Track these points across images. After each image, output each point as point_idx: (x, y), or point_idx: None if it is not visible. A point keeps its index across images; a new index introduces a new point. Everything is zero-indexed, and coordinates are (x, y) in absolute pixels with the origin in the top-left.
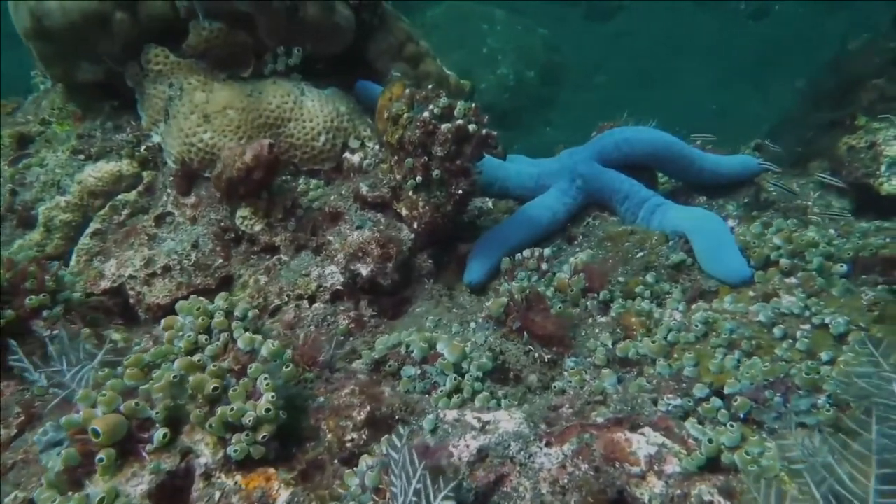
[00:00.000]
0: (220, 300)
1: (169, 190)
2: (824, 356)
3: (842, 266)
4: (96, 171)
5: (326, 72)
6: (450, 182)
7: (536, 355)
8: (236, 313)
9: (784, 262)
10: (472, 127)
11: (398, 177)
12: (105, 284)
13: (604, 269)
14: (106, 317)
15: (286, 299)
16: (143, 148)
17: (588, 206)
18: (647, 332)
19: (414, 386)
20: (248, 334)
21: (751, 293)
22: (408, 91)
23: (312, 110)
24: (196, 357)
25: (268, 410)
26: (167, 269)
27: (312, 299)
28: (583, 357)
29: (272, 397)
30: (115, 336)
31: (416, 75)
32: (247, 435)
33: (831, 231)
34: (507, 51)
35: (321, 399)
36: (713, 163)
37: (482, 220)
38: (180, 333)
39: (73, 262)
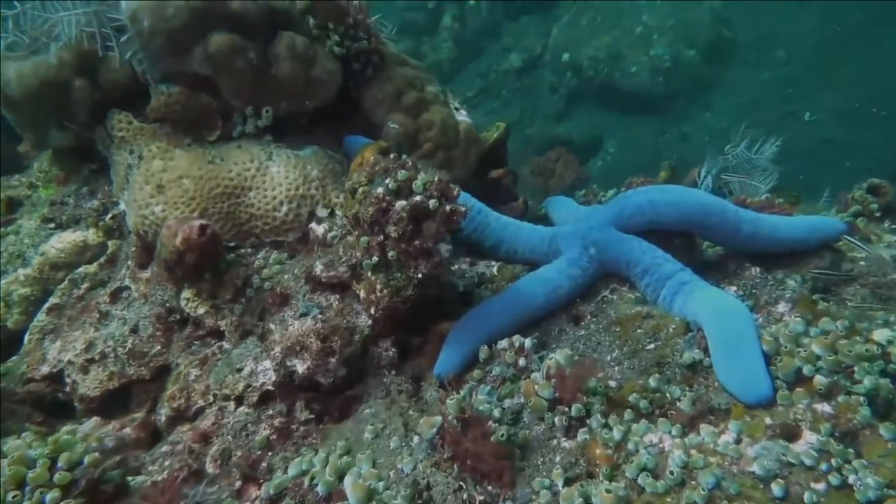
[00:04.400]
0: (49, 444)
1: (129, 262)
2: None
3: None
4: (59, 242)
5: (311, 127)
6: (408, 265)
7: (466, 496)
8: (61, 464)
9: (820, 379)
10: (432, 203)
11: (358, 254)
12: (45, 370)
13: (582, 373)
14: (33, 410)
15: (212, 399)
16: (108, 216)
17: (606, 276)
18: (614, 469)
19: None
20: None
21: (767, 420)
22: (373, 159)
23: (277, 177)
24: None
25: None
26: (104, 356)
27: (240, 400)
28: (525, 500)
29: None
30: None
31: (416, 126)
32: None
33: None
34: (665, 28)
35: None
36: (768, 226)
37: (482, 289)
38: None
39: (25, 341)
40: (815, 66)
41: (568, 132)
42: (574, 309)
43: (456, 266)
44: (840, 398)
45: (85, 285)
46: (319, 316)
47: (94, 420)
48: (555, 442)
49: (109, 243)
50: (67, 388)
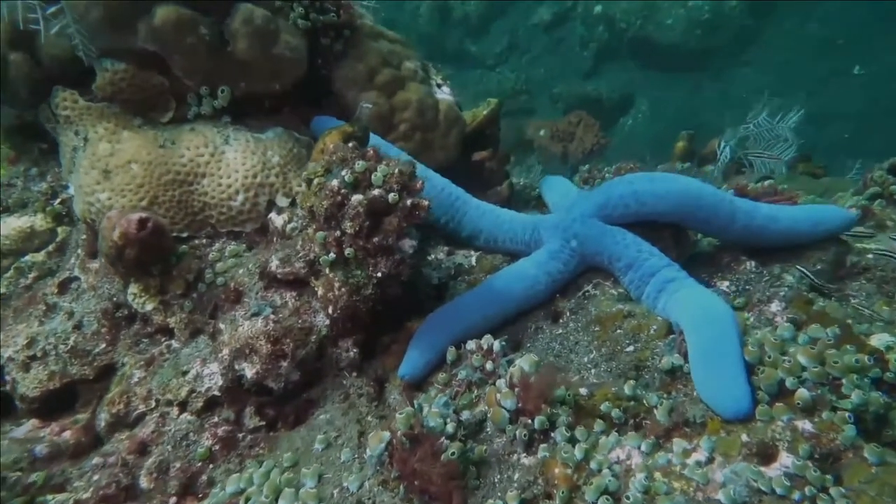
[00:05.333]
0: None
1: (79, 250)
2: None
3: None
4: (4, 228)
5: (278, 107)
6: (367, 263)
7: None
8: None
9: (802, 394)
10: (391, 197)
11: (316, 249)
12: None
13: (547, 381)
14: None
15: (154, 405)
16: (58, 201)
17: (589, 271)
18: (572, 490)
19: None
20: None
21: (743, 437)
22: (332, 146)
23: (233, 163)
24: None
25: None
26: (45, 354)
27: (183, 406)
28: None
29: None
30: None
31: (391, 106)
32: None
33: None
34: None
35: None
36: (766, 218)
37: (458, 281)
38: None
39: None
40: (871, 16)
41: (597, 90)
42: (553, 305)
43: (432, 256)
44: (824, 414)
45: (32, 275)
46: (272, 316)
47: (31, 423)
48: (514, 457)
49: (59, 230)
50: (7, 387)
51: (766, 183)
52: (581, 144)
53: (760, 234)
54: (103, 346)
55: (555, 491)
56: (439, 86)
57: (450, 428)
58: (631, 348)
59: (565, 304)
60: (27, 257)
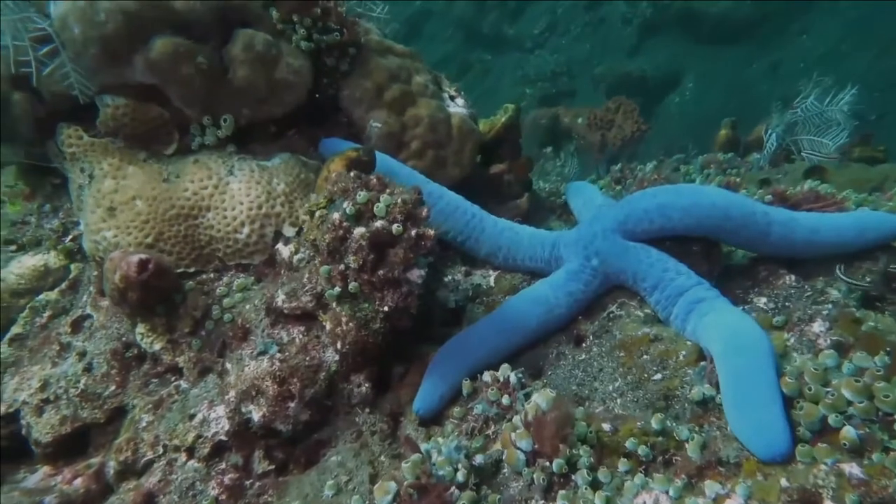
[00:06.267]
0: None
1: (91, 288)
2: None
3: None
4: (19, 268)
5: (283, 131)
6: (373, 297)
7: None
8: None
9: (848, 433)
10: (395, 228)
11: (322, 283)
12: (1, 409)
13: (564, 419)
14: None
15: (161, 451)
16: (69, 238)
17: (614, 289)
18: None
19: None
20: None
21: (783, 482)
22: (334, 176)
23: (237, 195)
24: None
25: None
26: (57, 398)
27: (191, 452)
28: None
29: None
30: None
31: (401, 124)
32: None
33: None
34: None
35: None
36: (807, 229)
37: (475, 304)
38: None
39: None
40: None
41: (641, 68)
42: (575, 328)
43: (449, 276)
44: (874, 456)
45: (47, 313)
46: (277, 355)
47: (43, 471)
48: None
49: (72, 266)
50: (23, 431)
51: (807, 187)
52: (620, 132)
53: (799, 247)
54: (113, 388)
55: None
56: (452, 98)
57: (460, 476)
58: (658, 376)
59: (588, 326)
60: (41, 296)
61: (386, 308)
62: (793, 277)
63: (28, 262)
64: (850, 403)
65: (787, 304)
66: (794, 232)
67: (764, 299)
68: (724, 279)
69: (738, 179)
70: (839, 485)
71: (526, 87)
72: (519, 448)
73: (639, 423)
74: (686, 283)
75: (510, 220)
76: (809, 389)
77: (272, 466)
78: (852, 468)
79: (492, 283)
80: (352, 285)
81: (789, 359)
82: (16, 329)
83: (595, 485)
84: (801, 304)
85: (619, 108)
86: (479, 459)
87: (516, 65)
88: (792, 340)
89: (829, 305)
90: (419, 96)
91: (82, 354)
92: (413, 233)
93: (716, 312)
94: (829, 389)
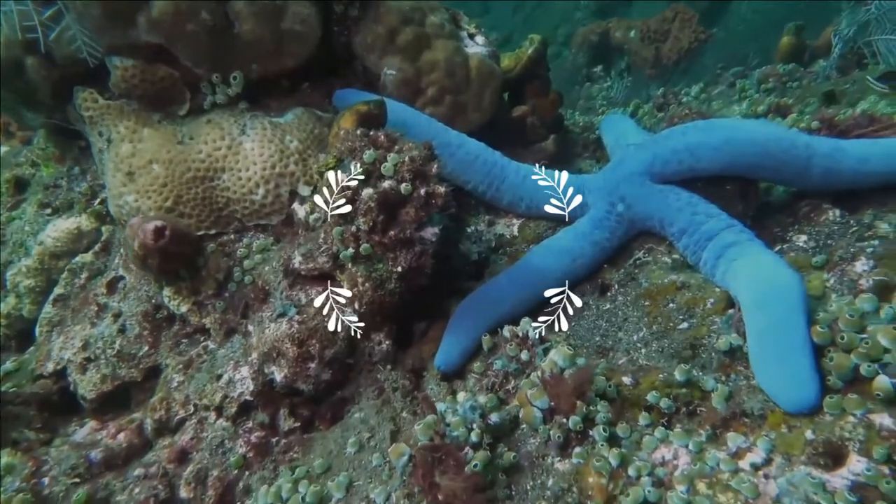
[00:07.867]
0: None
1: (122, 249)
2: None
3: None
4: (54, 231)
5: (297, 85)
6: (386, 257)
7: None
8: None
9: (881, 382)
10: (404, 188)
11: (337, 243)
12: (50, 367)
13: (582, 377)
14: (39, 412)
15: (192, 410)
16: (97, 201)
17: (641, 235)
18: (607, 502)
19: None
20: None
21: (808, 434)
22: (342, 133)
23: (251, 155)
24: None
25: None
26: (97, 357)
27: (220, 411)
28: None
29: None
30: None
31: (416, 69)
32: None
33: None
34: None
35: None
36: (855, 159)
37: (498, 255)
38: None
39: (37, 333)
40: None
41: None
42: (601, 276)
43: (472, 227)
44: None
45: (84, 275)
46: (296, 317)
47: (90, 425)
48: (549, 461)
49: (103, 229)
50: (71, 387)
51: (859, 111)
52: (677, 44)
53: (846, 180)
54: (146, 348)
55: (589, 502)
56: (472, 35)
57: (474, 437)
58: (685, 325)
59: (614, 274)
60: (77, 258)
61: (399, 269)
62: (837, 212)
63: (63, 226)
64: (886, 351)
65: (829, 241)
66: (840, 163)
67: (804, 237)
68: (760, 217)
69: (789, 101)
70: (868, 437)
71: None
72: (535, 406)
73: (661, 376)
74: (716, 226)
75: (534, 166)
76: (842, 338)
77: (297, 424)
78: (884, 419)
79: (515, 233)
80: (364, 247)
81: (827, 302)
82: (58, 290)
83: (612, 440)
84: (845, 242)
85: (675, 16)
86: (494, 418)
87: None
88: (832, 281)
89: (876, 242)
90: (434, 38)
91: (117, 315)
92: (423, 191)
93: (745, 257)
94: (864, 336)
